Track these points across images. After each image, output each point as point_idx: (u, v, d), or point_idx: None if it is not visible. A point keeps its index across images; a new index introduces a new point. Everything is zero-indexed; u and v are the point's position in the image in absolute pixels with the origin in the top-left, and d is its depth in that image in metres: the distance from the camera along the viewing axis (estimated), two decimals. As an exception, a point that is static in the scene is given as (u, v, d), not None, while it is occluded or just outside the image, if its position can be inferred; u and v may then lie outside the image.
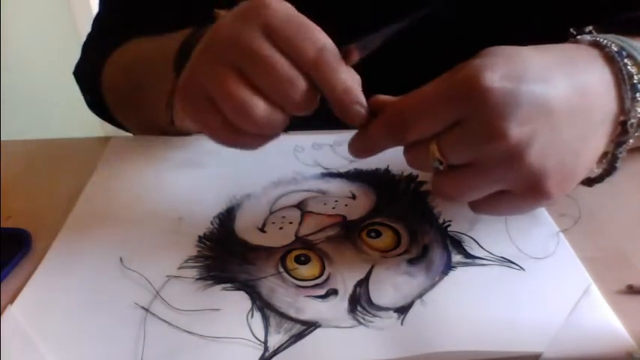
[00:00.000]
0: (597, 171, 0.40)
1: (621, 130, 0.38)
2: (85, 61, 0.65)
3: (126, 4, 0.62)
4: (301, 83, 0.35)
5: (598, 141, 0.37)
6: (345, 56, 0.36)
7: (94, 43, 0.65)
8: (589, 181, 0.40)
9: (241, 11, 0.36)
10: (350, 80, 0.35)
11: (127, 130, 0.65)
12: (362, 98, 0.36)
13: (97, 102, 0.62)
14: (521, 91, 0.32)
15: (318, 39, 0.35)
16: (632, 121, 0.37)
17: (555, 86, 0.33)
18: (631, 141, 0.38)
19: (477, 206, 0.37)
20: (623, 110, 0.37)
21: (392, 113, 0.35)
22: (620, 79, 0.37)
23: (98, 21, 0.66)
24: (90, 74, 0.61)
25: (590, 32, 0.41)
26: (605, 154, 0.39)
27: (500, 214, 0.40)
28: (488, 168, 0.34)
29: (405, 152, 0.36)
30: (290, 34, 0.35)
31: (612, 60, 0.37)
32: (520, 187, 0.34)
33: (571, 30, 0.42)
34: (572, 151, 0.35)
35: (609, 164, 0.40)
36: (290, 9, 0.36)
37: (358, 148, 0.38)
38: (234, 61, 0.35)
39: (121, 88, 0.59)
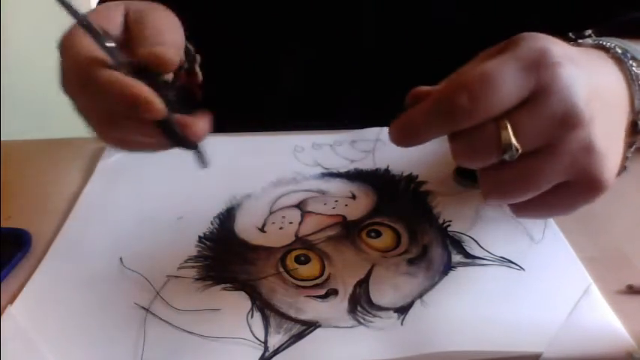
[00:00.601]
0: None
1: (632, 130, 0.37)
2: None
3: None
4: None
5: (622, 137, 0.35)
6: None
7: None
8: None
9: None
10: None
11: None
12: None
13: None
14: (581, 70, 0.30)
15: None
16: None
17: (592, 76, 0.32)
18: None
19: (526, 207, 0.32)
20: (634, 110, 0.37)
21: (447, 91, 0.29)
22: (630, 79, 0.36)
23: None
24: None
25: (589, 36, 0.41)
26: None
27: (547, 216, 0.37)
28: (562, 153, 0.30)
29: (457, 141, 0.30)
30: None
31: (620, 61, 0.36)
32: (582, 175, 0.31)
33: (570, 34, 0.42)
34: (615, 139, 0.34)
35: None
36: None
37: (400, 134, 0.31)
38: None
39: None
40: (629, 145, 0.39)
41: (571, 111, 0.29)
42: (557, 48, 0.30)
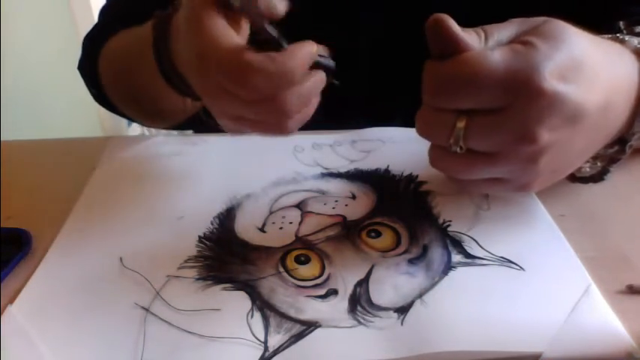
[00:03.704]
0: (588, 171, 0.40)
1: (619, 148, 0.38)
2: (85, 54, 0.65)
3: None
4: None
5: (593, 152, 0.38)
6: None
7: (94, 36, 0.64)
8: (573, 178, 0.41)
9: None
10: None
11: (139, 122, 0.64)
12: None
13: (103, 95, 0.61)
14: (568, 97, 0.31)
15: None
16: (632, 142, 0.38)
17: (594, 97, 0.33)
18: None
19: (463, 184, 0.37)
20: (629, 131, 0.37)
21: (445, 67, 0.32)
22: None
23: (102, 12, 0.66)
24: (90, 68, 0.61)
25: (638, 34, 0.40)
26: (595, 157, 0.40)
27: (478, 192, 0.42)
28: (503, 162, 0.33)
29: (423, 115, 0.34)
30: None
31: None
32: (513, 180, 0.35)
33: (620, 23, 0.41)
34: (571, 160, 0.36)
35: (599, 174, 0.40)
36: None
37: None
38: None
39: (116, 83, 0.59)
40: (611, 160, 0.39)
41: (528, 136, 0.31)
42: (556, 70, 0.31)
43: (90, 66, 0.61)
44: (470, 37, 0.32)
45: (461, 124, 0.32)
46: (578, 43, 0.32)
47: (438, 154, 0.35)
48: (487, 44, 0.32)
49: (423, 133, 0.35)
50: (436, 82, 0.32)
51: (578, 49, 0.32)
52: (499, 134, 0.32)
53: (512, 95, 0.31)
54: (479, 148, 0.33)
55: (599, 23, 0.39)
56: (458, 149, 0.32)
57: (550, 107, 0.31)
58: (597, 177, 0.41)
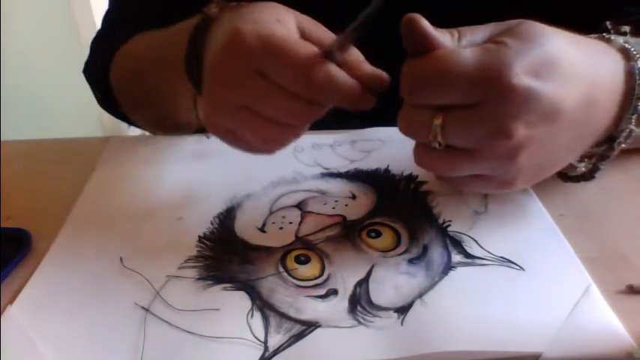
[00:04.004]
0: (579, 170, 0.41)
1: (608, 146, 0.38)
2: (93, 58, 0.65)
3: None
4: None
5: (581, 149, 0.38)
6: (342, 46, 0.36)
7: (102, 40, 0.64)
8: (565, 178, 0.41)
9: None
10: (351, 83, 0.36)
11: (140, 127, 0.65)
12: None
13: (107, 100, 0.61)
14: (541, 94, 0.31)
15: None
16: (621, 140, 0.38)
17: (571, 94, 0.33)
18: (615, 153, 0.39)
19: (449, 182, 0.38)
20: (617, 128, 0.38)
21: (418, 64, 0.33)
22: (628, 99, 0.37)
23: (106, 18, 0.66)
24: (98, 72, 0.61)
25: (624, 33, 0.40)
26: (589, 156, 0.40)
27: (466, 190, 0.42)
28: (482, 158, 0.34)
29: (403, 113, 0.35)
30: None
31: (631, 76, 0.37)
32: (496, 177, 0.35)
33: (607, 23, 0.41)
34: (555, 157, 0.37)
35: (590, 172, 0.40)
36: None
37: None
38: (259, 66, 0.36)
39: (129, 87, 0.59)
40: (601, 157, 0.40)
41: (502, 130, 0.32)
42: (529, 66, 0.31)
43: (98, 69, 0.61)
44: (443, 36, 0.33)
45: (437, 121, 0.33)
46: (553, 41, 0.33)
47: (421, 152, 0.36)
48: (460, 44, 0.33)
49: (404, 131, 0.35)
50: (411, 80, 0.33)
51: (553, 47, 0.33)
52: (475, 129, 0.32)
53: (484, 91, 0.31)
54: (457, 144, 0.33)
55: (590, 24, 0.39)
56: (437, 145, 0.33)
57: (523, 103, 0.31)
58: (588, 175, 0.41)
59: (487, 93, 0.31)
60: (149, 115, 0.61)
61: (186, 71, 0.42)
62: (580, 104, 0.34)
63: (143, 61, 0.55)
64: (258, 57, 0.35)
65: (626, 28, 0.41)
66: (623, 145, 0.39)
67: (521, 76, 0.31)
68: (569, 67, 0.33)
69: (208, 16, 0.41)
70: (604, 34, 0.40)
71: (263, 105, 0.37)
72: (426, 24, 0.33)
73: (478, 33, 0.34)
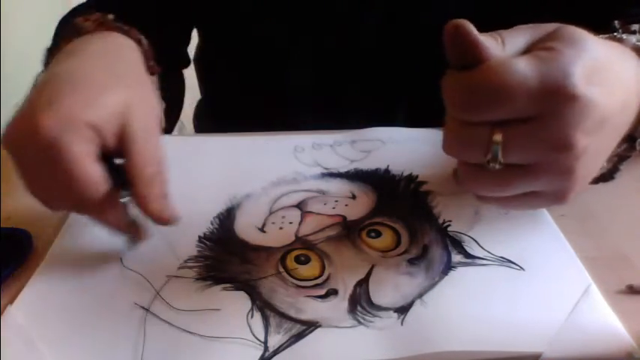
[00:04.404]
0: (600, 171, 0.40)
1: (628, 146, 0.38)
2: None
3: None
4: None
5: (609, 154, 0.37)
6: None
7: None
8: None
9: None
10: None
11: None
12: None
13: None
14: (596, 100, 0.30)
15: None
16: None
17: (615, 99, 0.32)
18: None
19: (490, 200, 0.35)
20: (638, 129, 0.37)
21: (472, 78, 0.30)
22: None
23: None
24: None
25: (634, 32, 0.40)
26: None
27: (512, 209, 0.40)
28: (541, 173, 0.31)
29: (452, 131, 0.32)
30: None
31: None
32: (549, 192, 0.33)
33: (616, 23, 0.41)
34: (599, 164, 0.35)
35: (609, 173, 0.40)
36: None
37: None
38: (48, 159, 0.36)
39: None
40: (621, 158, 0.39)
41: (566, 142, 0.30)
42: (586, 74, 0.29)
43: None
44: (492, 44, 0.30)
45: (498, 138, 0.30)
46: (595, 46, 0.31)
47: (471, 173, 0.32)
48: (505, 51, 0.31)
49: (454, 151, 0.32)
50: (465, 95, 0.30)
51: (598, 52, 0.31)
52: (537, 143, 0.30)
53: (545, 102, 0.29)
54: (517, 161, 0.31)
55: (596, 24, 0.39)
56: (497, 165, 0.30)
57: (583, 111, 0.30)
58: (607, 176, 0.41)
59: (549, 104, 0.29)
60: None
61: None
62: (619, 109, 0.33)
63: None
64: (46, 155, 0.35)
65: (636, 27, 0.40)
66: None
67: (581, 84, 0.29)
68: (611, 72, 0.32)
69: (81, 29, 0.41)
70: (614, 34, 0.39)
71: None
72: (473, 30, 0.29)
73: (518, 37, 0.32)
